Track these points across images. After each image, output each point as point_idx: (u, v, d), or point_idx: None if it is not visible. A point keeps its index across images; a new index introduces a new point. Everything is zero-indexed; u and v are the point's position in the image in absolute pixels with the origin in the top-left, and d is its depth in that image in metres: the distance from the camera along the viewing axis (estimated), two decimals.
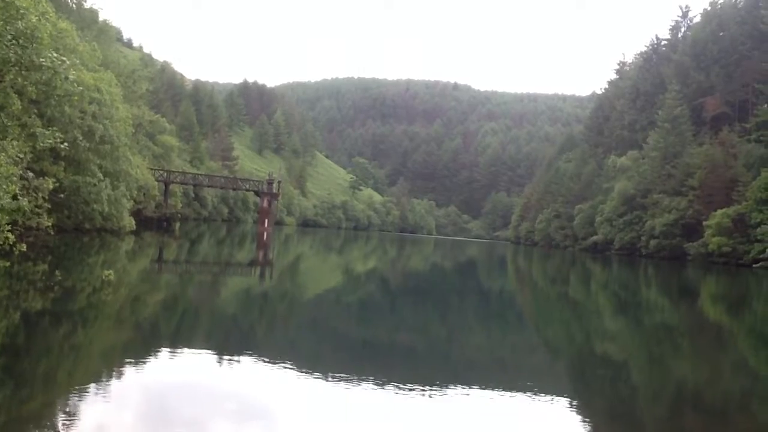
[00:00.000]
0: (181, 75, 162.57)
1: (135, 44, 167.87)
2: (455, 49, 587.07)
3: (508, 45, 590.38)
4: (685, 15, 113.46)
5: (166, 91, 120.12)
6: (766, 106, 77.31)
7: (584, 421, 7.18)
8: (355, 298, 19.52)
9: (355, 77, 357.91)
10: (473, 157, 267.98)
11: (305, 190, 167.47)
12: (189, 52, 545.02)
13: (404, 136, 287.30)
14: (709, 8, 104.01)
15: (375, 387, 7.63)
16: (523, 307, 21.61)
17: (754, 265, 62.73)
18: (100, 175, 33.05)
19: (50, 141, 19.81)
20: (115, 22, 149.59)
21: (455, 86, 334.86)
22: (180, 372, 7.79)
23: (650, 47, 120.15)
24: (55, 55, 18.24)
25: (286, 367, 8.40)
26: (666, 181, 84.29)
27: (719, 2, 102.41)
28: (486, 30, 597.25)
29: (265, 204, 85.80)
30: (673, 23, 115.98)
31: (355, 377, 8.02)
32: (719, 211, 69.30)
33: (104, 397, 6.41)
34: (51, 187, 21.80)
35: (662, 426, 7.36)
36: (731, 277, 47.35)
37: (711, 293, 32.27)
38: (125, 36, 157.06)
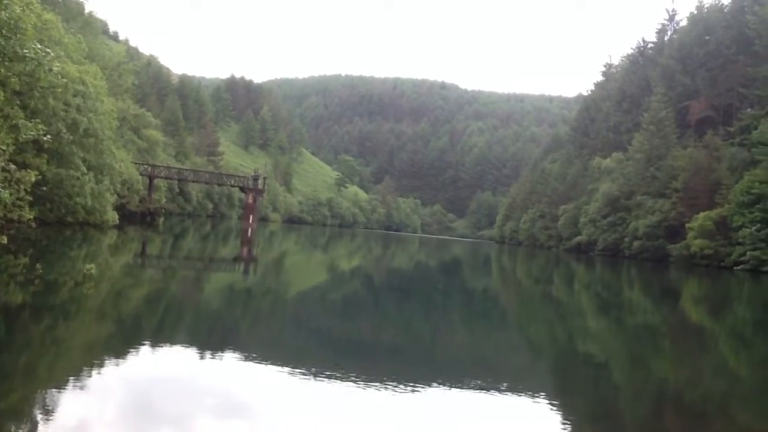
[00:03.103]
0: (168, 69, 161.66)
1: (121, 37, 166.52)
2: (443, 48, 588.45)
3: (496, 45, 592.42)
4: (671, 18, 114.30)
5: (152, 85, 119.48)
6: (749, 110, 78.10)
7: (565, 421, 7.21)
8: (339, 295, 19.50)
9: (343, 74, 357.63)
10: (459, 156, 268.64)
11: (291, 186, 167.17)
12: (176, 46, 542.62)
13: (391, 134, 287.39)
14: (695, 12, 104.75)
15: (358, 384, 7.62)
16: (506, 306, 21.69)
17: (735, 268, 63.35)
18: (84, 169, 32.77)
19: (33, 133, 19.62)
20: (101, 15, 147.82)
21: (443, 85, 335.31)
22: (162, 367, 7.74)
23: (637, 50, 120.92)
24: (39, 46, 18.06)
25: (268, 364, 8.36)
26: (650, 183, 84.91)
27: (705, 6, 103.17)
28: (474, 29, 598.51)
29: (250, 200, 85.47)
30: (659, 26, 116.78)
31: (338, 374, 8.01)
32: (702, 214, 69.93)
33: (85, 392, 6.35)
34: (33, 179, 21.56)
35: (643, 426, 7.41)
36: (713, 279, 47.80)
37: (692, 295, 32.55)
38: (111, 29, 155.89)
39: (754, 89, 77.88)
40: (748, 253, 62.68)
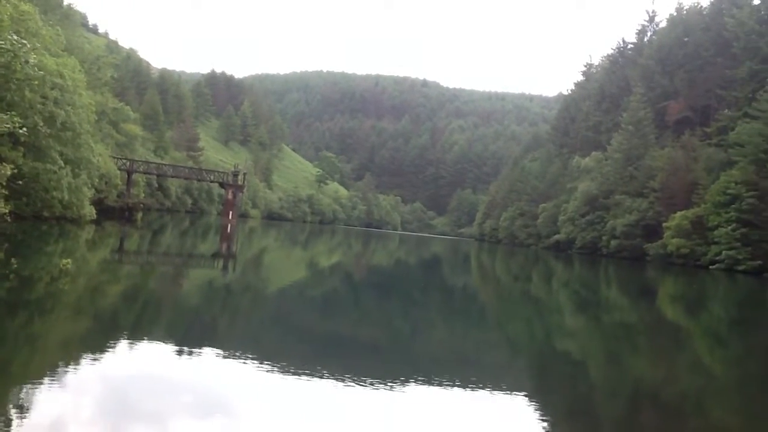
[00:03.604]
0: (147, 63, 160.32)
1: (100, 30, 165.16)
2: (425, 46, 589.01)
3: (478, 43, 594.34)
4: (651, 19, 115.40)
5: (132, 79, 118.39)
6: (727, 111, 79.07)
7: (544, 418, 7.26)
8: (319, 292, 19.46)
9: (324, 71, 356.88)
10: (440, 154, 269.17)
11: (271, 182, 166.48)
12: (156, 40, 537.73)
13: (372, 131, 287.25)
14: (674, 14, 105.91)
15: (337, 382, 7.61)
16: (485, 303, 21.78)
17: (711, 267, 64.17)
18: (61, 163, 32.39)
19: (9, 126, 19.36)
20: (80, 7, 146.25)
21: (424, 83, 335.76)
22: (140, 365, 7.67)
23: (617, 50, 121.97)
24: (15, 38, 17.82)
25: (247, 361, 8.32)
26: (628, 182, 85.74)
27: (685, 8, 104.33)
28: (456, 27, 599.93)
29: (230, 196, 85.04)
30: (639, 27, 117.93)
31: (317, 371, 7.99)
32: (679, 213, 70.76)
33: (61, 389, 6.27)
34: (9, 173, 21.31)
35: (620, 423, 7.48)
36: (689, 277, 48.36)
37: (669, 293, 32.92)
38: (90, 21, 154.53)
39: (731, 91, 78.92)
40: (723, 252, 63.52)
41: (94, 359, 7.65)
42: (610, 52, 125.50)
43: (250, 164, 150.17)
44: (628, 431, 7.17)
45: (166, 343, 9.01)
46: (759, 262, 60.75)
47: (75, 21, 65.12)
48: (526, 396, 8.19)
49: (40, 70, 29.08)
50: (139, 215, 56.27)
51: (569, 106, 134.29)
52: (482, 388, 8.11)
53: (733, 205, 64.29)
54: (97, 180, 40.64)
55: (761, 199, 63.36)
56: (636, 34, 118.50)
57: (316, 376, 7.76)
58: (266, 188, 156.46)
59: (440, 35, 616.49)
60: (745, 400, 9.43)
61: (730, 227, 63.38)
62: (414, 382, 8.10)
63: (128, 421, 5.72)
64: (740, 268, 61.44)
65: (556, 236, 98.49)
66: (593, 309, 21.91)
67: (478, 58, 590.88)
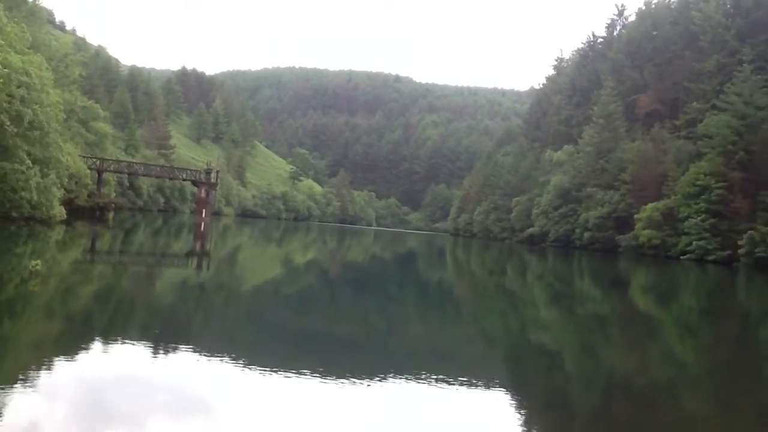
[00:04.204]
0: (117, 60, 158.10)
1: (68, 27, 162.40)
2: (397, 41, 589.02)
3: (450, 38, 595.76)
4: (620, 14, 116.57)
5: (101, 77, 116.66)
6: (695, 104, 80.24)
7: (519, 409, 7.32)
8: (295, 289, 19.40)
9: (297, 67, 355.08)
10: (414, 149, 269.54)
11: (244, 180, 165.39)
12: (125, 37, 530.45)
13: (345, 127, 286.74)
14: (643, 8, 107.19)
15: (314, 378, 7.60)
16: (461, 297, 21.89)
17: (681, 257, 65.17)
18: (29, 162, 31.85)
19: None
20: (46, 4, 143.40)
21: (397, 78, 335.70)
22: (114, 365, 7.58)
23: (587, 44, 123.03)
24: None
25: (223, 359, 8.27)
26: (600, 175, 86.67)
27: (653, 2, 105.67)
28: (428, 23, 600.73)
29: (203, 194, 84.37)
30: (609, 21, 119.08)
31: (294, 368, 7.97)
32: (650, 205, 71.73)
33: (34, 391, 6.18)
34: None
35: (594, 413, 7.57)
36: (660, 268, 49.07)
37: (641, 284, 33.37)
38: (57, 18, 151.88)
39: (699, 83, 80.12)
40: (693, 243, 64.54)
41: (68, 361, 7.55)
42: (581, 46, 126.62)
43: (222, 162, 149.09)
44: (603, 421, 7.26)
45: (140, 343, 8.91)
46: (728, 252, 61.80)
47: (41, 18, 63.78)
48: (502, 388, 8.25)
49: (5, 68, 28.58)
50: (111, 215, 55.59)
51: (541, 100, 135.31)
52: (459, 382, 8.16)
53: (702, 197, 65.34)
54: (66, 180, 40.05)
55: (730, 189, 64.46)
56: (605, 28, 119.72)
57: (293, 374, 7.74)
58: (240, 186, 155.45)
59: (412, 31, 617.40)
60: (715, 387, 9.61)
61: (699, 218, 64.41)
62: (391, 377, 8.12)
63: (104, 422, 5.66)
64: (710, 258, 62.47)
65: (530, 230, 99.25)
66: (567, 301, 22.14)
67: (450, 54, 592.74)
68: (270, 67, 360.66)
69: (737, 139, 65.53)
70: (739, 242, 59.74)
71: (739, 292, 34.01)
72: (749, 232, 58.86)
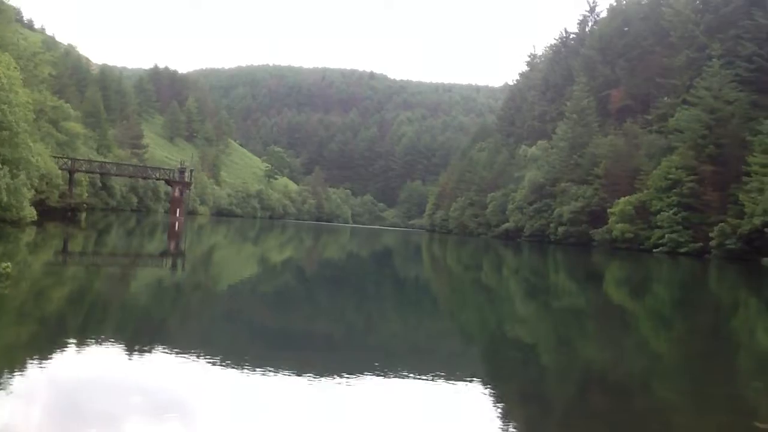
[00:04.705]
0: (87, 59, 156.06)
1: (36, 25, 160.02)
2: (371, 38, 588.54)
3: (424, 35, 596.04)
4: (592, 10, 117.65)
5: (71, 76, 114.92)
6: (666, 98, 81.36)
7: (497, 402, 7.37)
8: (271, 288, 19.32)
9: (271, 65, 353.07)
10: (389, 146, 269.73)
11: (219, 179, 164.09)
12: (95, 35, 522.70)
13: (320, 124, 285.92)
14: (614, 4, 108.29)
15: (292, 376, 7.58)
16: (438, 293, 21.97)
17: (654, 250, 66.06)
18: None
19: None
20: (13, 1, 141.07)
21: (371, 75, 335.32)
22: (89, 367, 7.49)
23: (559, 41, 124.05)
24: None
25: (200, 359, 8.22)
26: (573, 170, 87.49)
27: None
28: (402, 19, 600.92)
29: (177, 193, 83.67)
30: (581, 18, 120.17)
31: (272, 367, 7.93)
32: (623, 199, 72.61)
33: (7, 395, 6.07)
34: None
35: (570, 405, 7.64)
36: (633, 261, 49.68)
37: (615, 277, 33.76)
38: (25, 16, 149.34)
39: (670, 79, 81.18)
40: (666, 236, 65.47)
41: (41, 364, 7.43)
42: (553, 42, 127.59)
43: (196, 160, 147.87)
44: (579, 412, 7.33)
45: (115, 345, 8.82)
46: (700, 244, 62.76)
47: (8, 16, 62.67)
48: (480, 382, 8.30)
49: None
50: (83, 215, 54.88)
51: (515, 96, 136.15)
52: (437, 377, 8.19)
53: (674, 190, 66.28)
54: (37, 180, 39.44)
55: (700, 183, 65.47)
56: (578, 24, 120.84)
57: (271, 372, 7.71)
58: (214, 184, 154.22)
59: (386, 27, 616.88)
60: (689, 378, 9.75)
61: (671, 211, 65.35)
62: (369, 373, 8.12)
63: (80, 425, 5.59)
64: (682, 250, 63.41)
65: (506, 225, 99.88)
66: (543, 295, 22.33)
67: (424, 50, 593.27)
68: (244, 65, 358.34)
69: (707, 133, 66.55)
70: (711, 234, 60.72)
71: (710, 283, 34.58)
72: (720, 224, 59.85)
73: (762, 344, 13.97)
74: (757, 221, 54.03)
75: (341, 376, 7.73)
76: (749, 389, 8.48)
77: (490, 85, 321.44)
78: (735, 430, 6.59)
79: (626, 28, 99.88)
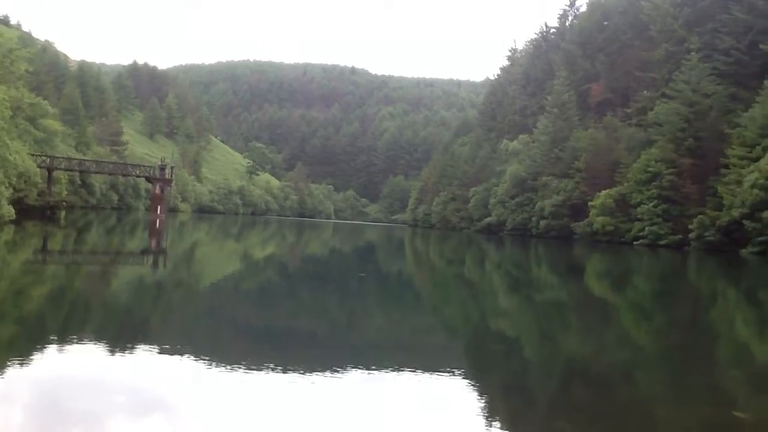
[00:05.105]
0: (65, 55, 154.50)
1: (12, 21, 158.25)
2: (353, 33, 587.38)
3: (406, 29, 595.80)
4: (572, 4, 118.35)
5: (48, 73, 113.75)
6: (645, 92, 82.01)
7: (481, 396, 7.41)
8: (254, 284, 19.26)
9: (251, 60, 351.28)
10: (371, 141, 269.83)
11: (200, 175, 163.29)
12: (73, 31, 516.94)
13: (302, 120, 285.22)
14: None
15: (275, 373, 7.57)
16: (421, 288, 22.01)
17: (634, 243, 66.68)
18: None
19: None
20: None
21: (353, 70, 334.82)
22: (70, 367, 7.42)
23: (540, 35, 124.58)
24: None
25: (183, 357, 8.17)
26: (554, 163, 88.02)
27: None
28: (383, 14, 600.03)
29: (158, 190, 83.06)
30: (561, 12, 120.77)
31: (255, 364, 7.92)
32: (603, 192, 73.18)
33: None
34: None
35: (553, 397, 7.70)
36: (614, 254, 50.10)
37: (596, 270, 34.02)
38: (1, 12, 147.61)
39: (649, 72, 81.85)
40: (646, 228, 66.12)
41: (22, 364, 7.35)
42: (534, 36, 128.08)
43: (177, 157, 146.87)
44: (562, 404, 7.39)
45: (96, 343, 8.75)
46: (679, 236, 63.46)
47: None
48: (463, 376, 8.34)
49: None
50: (63, 214, 54.36)
51: (496, 90, 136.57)
52: (421, 370, 8.21)
53: (654, 183, 66.93)
54: (15, 179, 39.02)
55: (680, 175, 66.16)
56: (558, 18, 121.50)
57: (254, 369, 7.69)
58: (195, 181, 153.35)
59: (368, 22, 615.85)
60: (669, 369, 9.86)
61: (651, 204, 66.00)
62: (353, 369, 8.13)
63: (62, 425, 5.54)
64: (662, 242, 64.09)
65: (488, 219, 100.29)
66: (525, 288, 22.45)
67: (406, 45, 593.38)
68: (224, 60, 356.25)
69: (686, 126, 67.24)
70: (690, 227, 61.41)
71: (690, 275, 34.96)
72: (699, 216, 60.53)
73: (740, 335, 14.16)
74: (735, 213, 54.69)
75: (325, 372, 7.73)
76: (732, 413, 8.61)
77: (472, 79, 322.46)
78: (714, 419, 6.68)
79: (606, 22, 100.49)
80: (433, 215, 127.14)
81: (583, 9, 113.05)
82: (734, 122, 62.02)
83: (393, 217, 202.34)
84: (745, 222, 53.52)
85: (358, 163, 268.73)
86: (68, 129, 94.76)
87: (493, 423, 6.35)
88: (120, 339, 9.19)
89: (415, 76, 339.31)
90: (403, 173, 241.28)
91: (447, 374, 8.26)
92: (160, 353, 8.34)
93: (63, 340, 8.88)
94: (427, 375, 8.11)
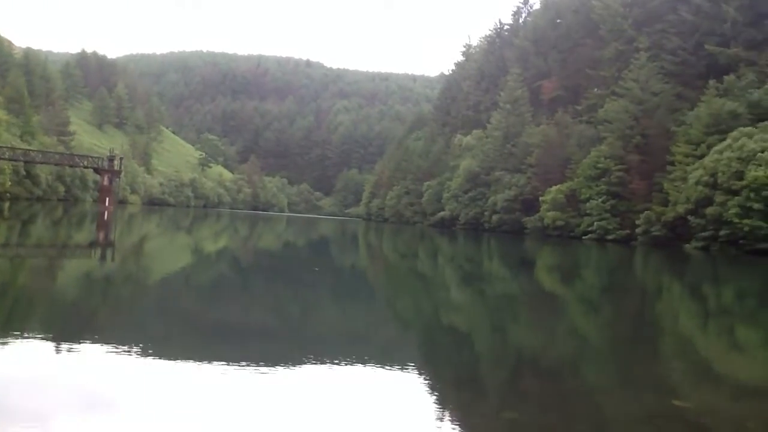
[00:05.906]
0: (9, 42, 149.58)
1: None
2: (307, 26, 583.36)
3: (361, 23, 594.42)
4: (526, 2, 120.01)
5: None
6: (596, 90, 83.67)
7: (432, 388, 7.48)
8: (206, 278, 19.02)
9: (204, 51, 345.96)
10: (325, 135, 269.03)
11: (151, 167, 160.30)
12: (18, 17, 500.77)
13: (255, 112, 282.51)
14: None
15: (227, 368, 7.50)
16: (374, 282, 22.06)
17: (583, 237, 68.09)
18: None
19: None
20: None
21: (308, 63, 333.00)
22: (15, 364, 7.22)
23: (494, 31, 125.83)
24: None
25: (132, 354, 8.03)
26: (507, 159, 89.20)
27: None
28: (339, 7, 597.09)
29: (106, 182, 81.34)
30: (515, 9, 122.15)
31: (206, 359, 7.84)
32: (554, 188, 74.51)
33: None
34: None
35: (504, 389, 7.83)
36: (564, 248, 51.02)
37: (546, 264, 34.61)
38: None
39: (599, 70, 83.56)
40: (595, 223, 67.58)
41: None
42: (488, 33, 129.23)
43: (127, 148, 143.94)
44: (511, 395, 7.52)
45: (43, 339, 8.53)
46: (627, 231, 65.05)
47: None
48: (415, 369, 8.40)
49: None
50: (6, 205, 52.77)
51: (451, 86, 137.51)
52: (374, 364, 8.25)
53: (602, 179, 68.41)
54: None
55: (628, 172, 67.74)
56: (512, 15, 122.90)
57: (205, 365, 7.61)
58: (146, 173, 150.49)
59: (323, 15, 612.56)
60: (615, 360, 10.12)
61: (600, 199, 67.46)
62: (305, 363, 8.12)
63: (6, 425, 5.39)
64: (610, 237, 65.61)
65: (441, 213, 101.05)
66: (477, 282, 22.70)
67: (361, 39, 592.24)
68: (176, 51, 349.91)
69: (634, 123, 68.89)
70: (637, 222, 62.98)
71: (636, 269, 35.84)
72: (645, 212, 62.15)
73: (684, 328, 14.60)
74: (680, 209, 56.28)
75: (277, 366, 7.70)
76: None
77: (427, 74, 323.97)
78: (656, 407, 6.88)
79: (559, 21, 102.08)
80: (386, 209, 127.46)
81: (537, 7, 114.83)
82: (680, 120, 63.78)
83: (347, 211, 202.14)
84: (689, 218, 55.12)
85: (312, 157, 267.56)
86: (12, 118, 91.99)
87: (444, 414, 6.42)
88: (66, 335, 8.98)
89: (371, 70, 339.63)
90: (358, 167, 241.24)
91: (399, 367, 8.32)
92: (107, 350, 8.17)
93: (5, 335, 8.63)
94: (379, 367, 8.15)
